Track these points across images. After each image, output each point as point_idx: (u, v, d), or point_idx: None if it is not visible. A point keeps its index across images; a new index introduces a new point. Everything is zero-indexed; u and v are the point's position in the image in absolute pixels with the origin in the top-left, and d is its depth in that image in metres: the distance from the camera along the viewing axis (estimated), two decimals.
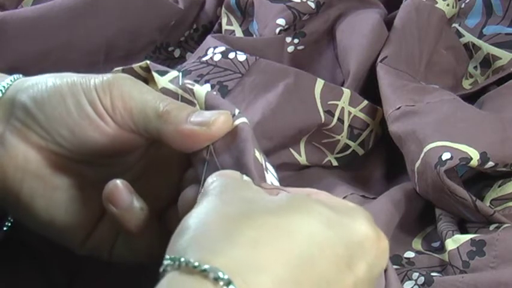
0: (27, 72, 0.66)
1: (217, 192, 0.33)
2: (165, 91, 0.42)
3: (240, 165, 0.37)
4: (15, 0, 0.80)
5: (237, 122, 0.39)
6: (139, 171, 0.42)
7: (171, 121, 0.39)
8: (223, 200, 0.32)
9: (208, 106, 0.41)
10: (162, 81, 0.42)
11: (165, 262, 0.30)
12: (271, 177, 0.40)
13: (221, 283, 0.28)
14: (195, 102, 0.41)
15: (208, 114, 0.39)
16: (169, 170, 0.42)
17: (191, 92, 0.42)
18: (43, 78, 0.40)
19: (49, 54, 0.69)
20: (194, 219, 0.31)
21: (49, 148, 0.39)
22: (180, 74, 0.43)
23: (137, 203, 0.39)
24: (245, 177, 0.36)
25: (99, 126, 0.39)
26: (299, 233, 0.31)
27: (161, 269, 0.30)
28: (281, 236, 0.30)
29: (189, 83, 0.42)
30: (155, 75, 0.42)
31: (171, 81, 0.42)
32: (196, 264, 0.29)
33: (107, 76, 0.40)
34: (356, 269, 0.32)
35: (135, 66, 0.43)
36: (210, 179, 0.35)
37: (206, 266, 0.28)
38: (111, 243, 0.41)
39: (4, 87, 0.40)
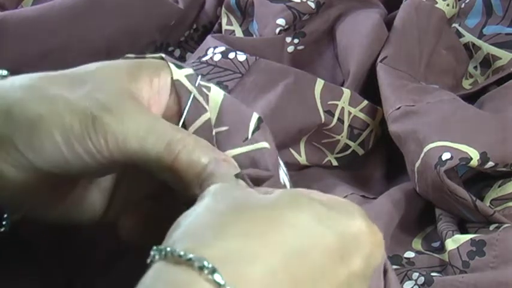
0: (27, 73, 0.67)
1: (210, 194, 0.33)
2: (179, 85, 0.39)
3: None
4: (15, 0, 0.80)
5: (250, 148, 0.38)
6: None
7: (180, 180, 0.36)
8: (216, 199, 0.32)
9: (223, 113, 0.39)
10: (179, 74, 0.39)
11: (152, 253, 0.30)
12: (283, 174, 0.40)
13: (206, 272, 0.28)
14: (206, 108, 0.39)
15: (220, 179, 0.35)
16: None
17: (206, 97, 0.40)
18: (24, 100, 0.36)
19: (49, 54, 0.69)
20: (187, 218, 0.31)
21: (37, 172, 0.36)
22: (199, 76, 0.40)
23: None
24: (240, 181, 0.36)
25: (90, 162, 0.36)
26: (291, 226, 0.31)
27: (148, 260, 0.30)
28: (273, 228, 0.30)
29: (205, 86, 0.40)
30: (172, 66, 0.39)
31: (187, 76, 0.40)
32: (181, 253, 0.28)
33: (94, 108, 0.35)
34: (351, 262, 0.32)
35: (149, 56, 0.41)
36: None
37: (191, 255, 0.28)
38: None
39: None
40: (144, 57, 0.41)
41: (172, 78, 0.39)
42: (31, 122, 0.35)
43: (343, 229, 0.32)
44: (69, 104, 0.35)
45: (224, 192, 0.33)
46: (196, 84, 0.40)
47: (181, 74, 0.39)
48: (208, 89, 0.40)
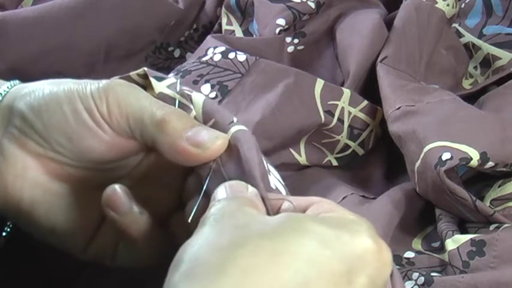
0: (27, 72, 0.67)
1: (211, 222, 0.33)
2: (162, 96, 0.41)
3: (246, 175, 0.37)
4: (15, 0, 0.80)
5: (234, 129, 0.39)
6: (140, 175, 0.42)
7: (168, 132, 0.38)
8: (217, 230, 0.32)
9: (204, 113, 0.41)
10: (160, 86, 0.42)
11: None
12: (274, 179, 0.40)
13: None
14: (192, 107, 0.41)
15: (205, 136, 0.38)
16: (171, 175, 0.42)
17: (188, 97, 0.41)
18: (40, 85, 0.40)
19: (49, 54, 0.69)
20: (187, 252, 0.31)
21: (47, 155, 0.39)
22: (178, 80, 0.42)
23: (136, 208, 0.39)
24: (250, 188, 0.36)
25: (96, 133, 0.39)
26: (294, 254, 0.30)
27: None
28: (274, 260, 0.30)
29: (187, 89, 0.42)
30: (152, 80, 0.41)
31: (168, 86, 0.42)
32: None
33: (103, 82, 0.39)
34: (356, 283, 0.31)
35: (133, 73, 0.43)
36: (215, 203, 0.35)
37: None
38: (113, 249, 0.41)
39: (1, 94, 0.40)
40: (129, 76, 0.42)
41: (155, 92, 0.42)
42: (44, 100, 0.39)
43: (349, 250, 0.32)
44: (76, 83, 0.39)
45: (225, 222, 0.32)
46: (178, 89, 0.41)
47: (162, 86, 0.41)
48: (191, 91, 0.42)
